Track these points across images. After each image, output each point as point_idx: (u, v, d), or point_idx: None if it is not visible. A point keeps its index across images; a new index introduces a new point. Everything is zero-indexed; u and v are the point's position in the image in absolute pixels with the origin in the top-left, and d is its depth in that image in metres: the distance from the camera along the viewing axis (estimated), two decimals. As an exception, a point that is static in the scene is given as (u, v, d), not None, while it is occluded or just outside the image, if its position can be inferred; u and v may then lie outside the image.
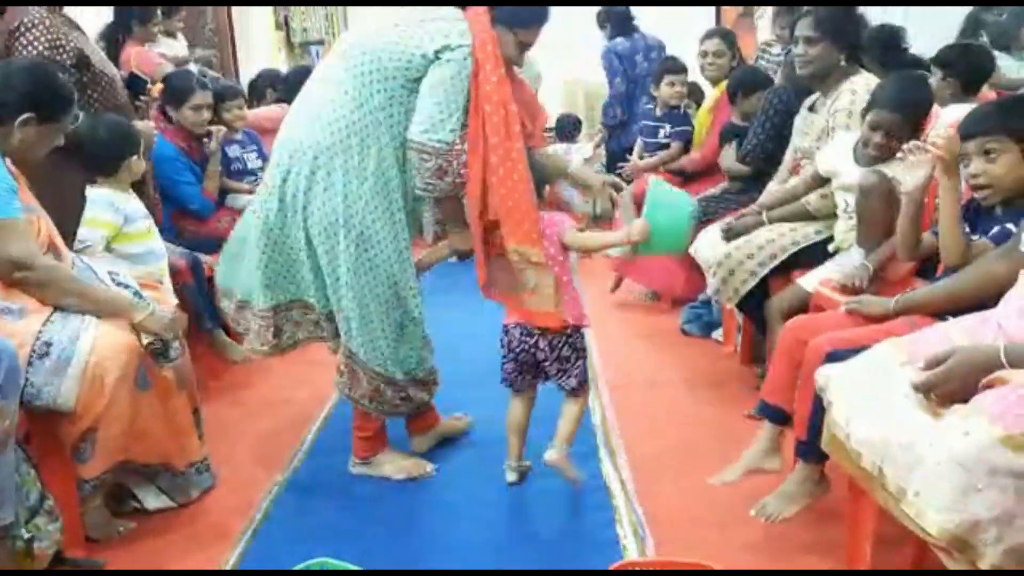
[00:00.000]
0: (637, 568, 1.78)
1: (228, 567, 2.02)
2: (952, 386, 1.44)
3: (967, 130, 1.87)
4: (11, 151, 2.04)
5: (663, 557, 1.94)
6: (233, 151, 3.79)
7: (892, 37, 3.57)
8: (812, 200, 2.73)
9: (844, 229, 2.59)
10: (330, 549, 1.88)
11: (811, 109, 2.88)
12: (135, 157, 2.74)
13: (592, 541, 2.06)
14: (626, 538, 2.06)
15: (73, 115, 2.15)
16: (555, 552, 2.01)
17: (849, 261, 2.47)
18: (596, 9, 5.17)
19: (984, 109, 1.92)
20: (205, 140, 3.58)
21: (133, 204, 2.77)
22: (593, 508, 2.21)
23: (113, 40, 3.94)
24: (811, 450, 1.91)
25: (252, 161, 3.84)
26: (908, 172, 2.01)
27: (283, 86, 4.56)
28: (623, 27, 5.06)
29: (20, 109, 2.00)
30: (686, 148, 4.10)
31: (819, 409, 1.79)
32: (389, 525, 2.16)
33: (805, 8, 2.84)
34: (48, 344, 1.94)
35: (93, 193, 2.67)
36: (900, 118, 2.37)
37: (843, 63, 2.74)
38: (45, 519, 1.78)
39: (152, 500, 2.27)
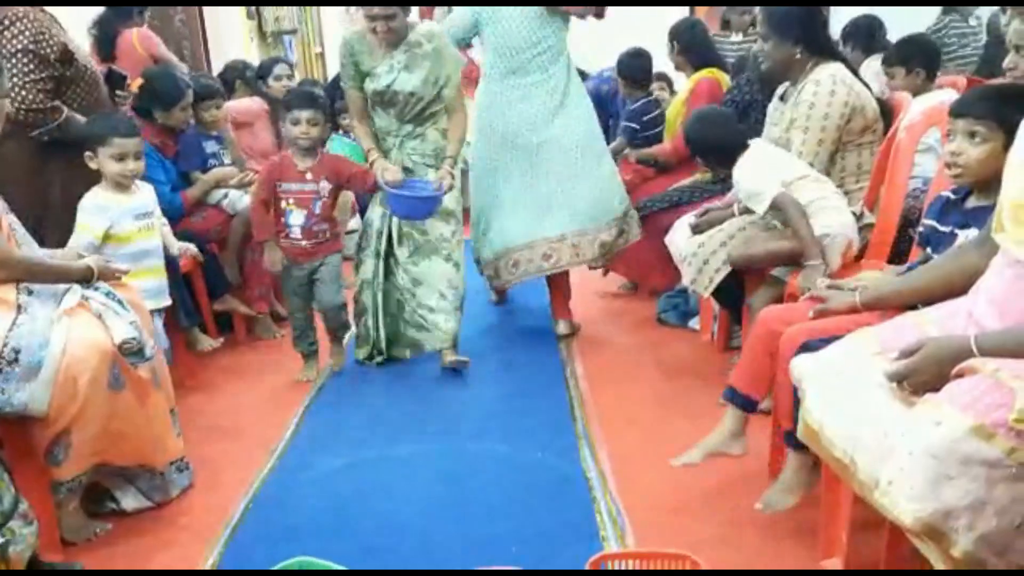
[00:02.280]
0: (616, 560, 1.79)
1: (207, 567, 2.01)
2: (924, 376, 1.45)
3: (960, 108, 1.86)
4: None
5: (642, 547, 1.95)
6: (210, 147, 3.74)
7: (870, 25, 3.93)
8: None
9: None
10: (310, 547, 1.87)
11: (782, 99, 2.88)
12: (102, 155, 2.62)
13: (572, 532, 2.06)
14: (605, 528, 2.07)
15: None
16: (535, 544, 2.01)
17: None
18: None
19: (983, 92, 1.91)
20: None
21: (124, 205, 2.69)
22: (572, 499, 2.22)
23: (109, 28, 4.29)
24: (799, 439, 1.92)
25: (227, 157, 3.79)
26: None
27: (254, 77, 4.48)
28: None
29: None
30: (648, 139, 4.10)
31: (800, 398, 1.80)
32: (369, 523, 2.15)
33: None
34: (16, 351, 1.91)
35: (87, 197, 2.64)
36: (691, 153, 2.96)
37: (799, 55, 2.74)
38: (20, 523, 1.75)
39: (130, 501, 2.25)
